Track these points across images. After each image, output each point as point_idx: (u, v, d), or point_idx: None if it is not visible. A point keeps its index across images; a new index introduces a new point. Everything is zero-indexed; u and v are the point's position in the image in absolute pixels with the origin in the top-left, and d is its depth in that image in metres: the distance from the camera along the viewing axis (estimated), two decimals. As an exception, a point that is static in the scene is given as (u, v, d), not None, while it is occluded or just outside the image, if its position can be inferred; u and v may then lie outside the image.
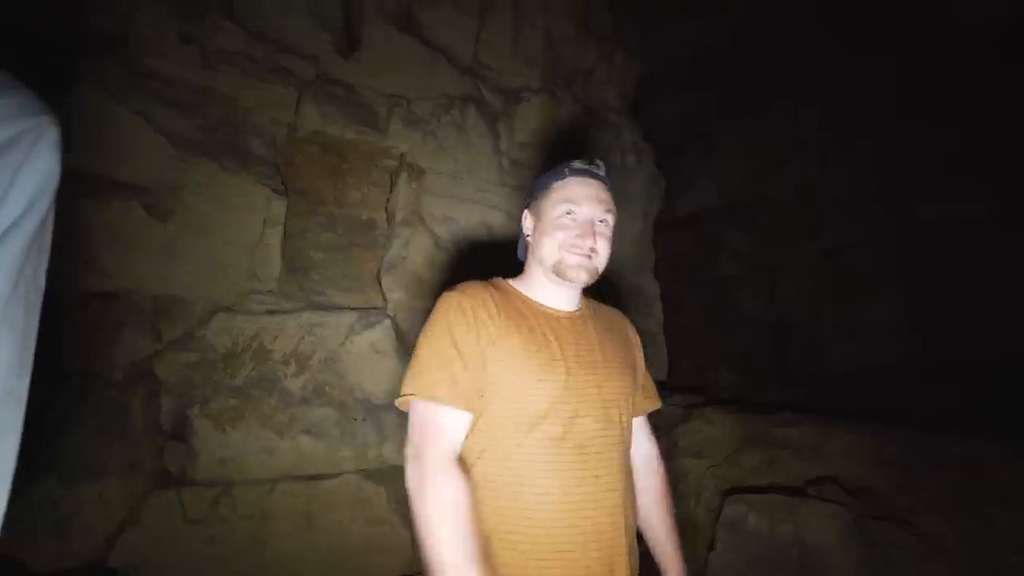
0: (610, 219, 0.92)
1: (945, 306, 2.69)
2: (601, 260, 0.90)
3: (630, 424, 0.89)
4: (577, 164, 0.93)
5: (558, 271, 0.88)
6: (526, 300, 0.91)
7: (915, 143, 2.77)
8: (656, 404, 1.03)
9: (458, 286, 0.89)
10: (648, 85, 2.86)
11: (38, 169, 0.52)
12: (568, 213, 0.89)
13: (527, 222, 0.96)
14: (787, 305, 3.29)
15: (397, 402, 0.83)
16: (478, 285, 0.90)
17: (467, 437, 0.81)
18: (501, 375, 0.81)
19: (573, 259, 0.87)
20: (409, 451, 0.79)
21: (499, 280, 0.95)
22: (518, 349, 0.82)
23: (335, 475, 1.66)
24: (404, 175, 1.92)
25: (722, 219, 3.55)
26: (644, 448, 1.01)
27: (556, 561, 0.75)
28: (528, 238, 0.95)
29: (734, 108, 3.50)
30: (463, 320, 0.82)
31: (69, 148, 1.55)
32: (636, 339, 1.01)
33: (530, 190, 0.99)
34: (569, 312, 0.92)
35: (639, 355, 1.00)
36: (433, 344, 0.82)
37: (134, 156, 1.56)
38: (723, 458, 1.85)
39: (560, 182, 0.92)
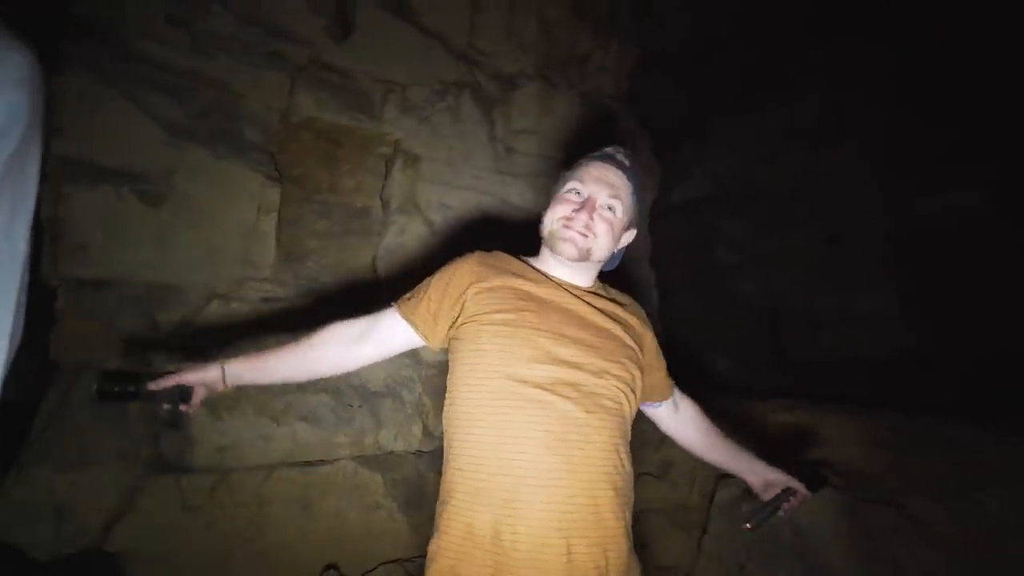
0: (617, 207, 0.91)
1: (939, 295, 2.71)
2: (598, 243, 0.90)
3: (632, 384, 0.89)
4: (603, 150, 0.96)
5: (551, 244, 0.91)
6: (536, 269, 0.95)
7: (910, 132, 2.77)
8: (669, 393, 1.05)
9: (476, 252, 0.96)
10: (644, 72, 2.84)
11: None
12: (573, 190, 0.92)
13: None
14: (783, 293, 3.30)
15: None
16: (494, 252, 0.96)
17: (453, 371, 0.89)
18: (496, 323, 0.85)
19: (565, 232, 0.89)
20: None
21: (514, 254, 0.98)
22: (518, 299, 0.87)
23: (331, 461, 1.66)
24: (399, 162, 1.91)
25: (718, 207, 3.55)
26: (684, 412, 1.08)
27: (542, 488, 0.78)
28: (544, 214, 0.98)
29: (731, 97, 3.49)
30: (468, 275, 0.90)
31: (58, 134, 1.52)
32: (648, 324, 1.02)
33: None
34: (578, 286, 0.94)
35: (649, 344, 1.00)
36: (435, 282, 0.93)
37: (125, 142, 1.54)
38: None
39: (581, 164, 0.95)
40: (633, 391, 0.89)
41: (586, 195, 0.90)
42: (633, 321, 0.96)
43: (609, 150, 0.96)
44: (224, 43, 1.69)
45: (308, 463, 1.64)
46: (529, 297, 0.87)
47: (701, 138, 3.64)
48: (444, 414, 0.89)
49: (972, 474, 1.46)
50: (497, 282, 0.89)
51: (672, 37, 3.30)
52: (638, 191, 0.96)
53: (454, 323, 0.88)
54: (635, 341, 0.93)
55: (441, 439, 1.78)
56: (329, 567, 1.63)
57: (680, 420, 1.08)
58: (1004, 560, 1.29)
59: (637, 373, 0.90)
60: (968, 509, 1.41)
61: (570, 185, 0.92)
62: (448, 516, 0.81)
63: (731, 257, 3.48)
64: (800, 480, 1.03)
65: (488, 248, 0.98)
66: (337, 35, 1.88)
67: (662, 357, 1.03)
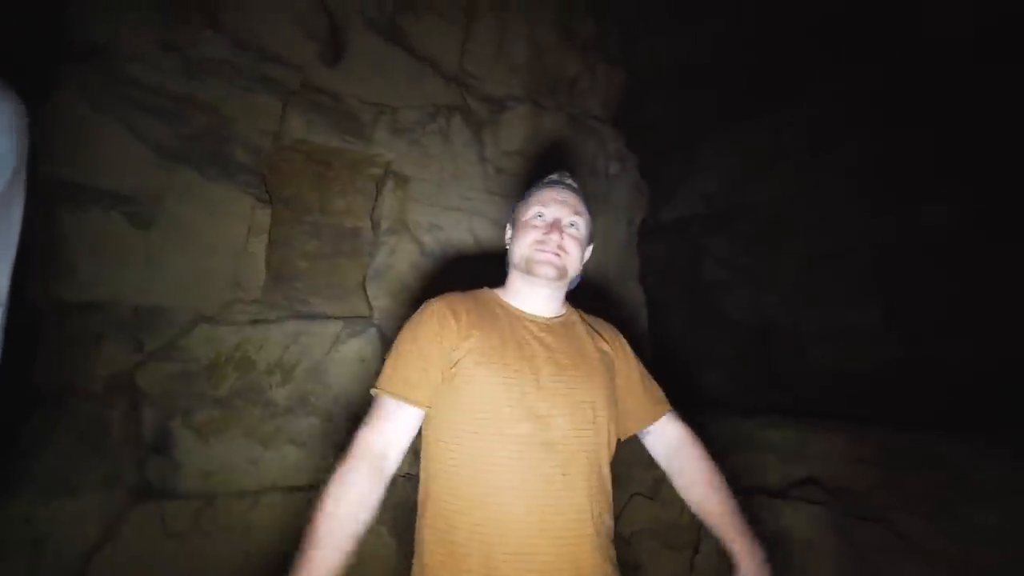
0: (580, 223, 0.96)
1: (923, 311, 2.76)
2: (570, 260, 0.93)
3: (608, 425, 0.89)
4: (549, 177, 1.03)
5: (528, 268, 0.93)
6: (504, 305, 0.95)
7: (894, 151, 2.85)
8: (666, 406, 1.02)
9: (439, 296, 0.94)
10: (632, 94, 2.90)
11: None
12: (538, 215, 0.96)
13: (508, 234, 1.02)
14: (770, 310, 3.35)
15: (373, 391, 0.88)
16: (457, 294, 0.95)
17: (429, 427, 0.87)
18: (472, 372, 0.84)
19: (541, 255, 0.92)
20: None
21: (482, 289, 1.00)
22: (488, 349, 0.85)
23: (321, 485, 1.64)
24: (389, 183, 1.93)
25: (706, 226, 3.61)
26: (671, 437, 1.01)
27: (522, 555, 0.76)
28: (508, 247, 1.00)
29: (717, 118, 3.57)
30: (433, 323, 0.87)
31: (48, 157, 1.52)
32: (624, 348, 1.02)
33: (514, 208, 1.06)
34: (547, 317, 0.95)
35: (629, 363, 1.00)
36: (399, 347, 0.88)
37: (115, 164, 1.54)
38: (708, 461, 1.86)
39: (535, 192, 1.00)
40: (610, 431, 0.90)
41: (551, 217, 0.95)
42: (605, 343, 0.98)
43: (556, 176, 1.03)
44: (216, 67, 1.71)
45: (297, 488, 1.62)
46: (500, 347, 0.86)
47: (688, 158, 3.72)
48: (422, 468, 0.88)
49: (959, 489, 1.48)
50: (470, 331, 0.87)
51: (659, 60, 3.39)
52: (591, 210, 1.02)
53: (444, 378, 0.87)
54: (607, 369, 0.95)
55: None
56: (317, 594, 1.59)
57: (672, 451, 1.00)
58: (992, 575, 1.30)
59: (613, 411, 0.91)
60: (955, 524, 1.43)
61: (533, 211, 0.96)
62: (428, 539, 0.82)
63: (719, 274, 3.53)
64: None
65: (471, 284, 0.99)
66: (329, 59, 1.92)
67: (647, 378, 1.02)
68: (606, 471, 0.88)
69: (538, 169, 2.25)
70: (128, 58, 1.60)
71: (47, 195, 1.49)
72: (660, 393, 1.03)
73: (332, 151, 1.88)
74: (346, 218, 1.90)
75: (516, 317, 0.93)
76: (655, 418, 1.01)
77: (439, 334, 0.86)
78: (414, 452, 1.87)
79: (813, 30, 2.97)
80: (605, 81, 2.63)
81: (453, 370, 0.85)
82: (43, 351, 1.59)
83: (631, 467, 1.95)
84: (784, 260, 3.26)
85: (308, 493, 1.63)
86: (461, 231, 2.01)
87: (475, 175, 2.07)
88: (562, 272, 0.92)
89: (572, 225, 0.95)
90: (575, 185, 1.02)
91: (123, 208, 1.55)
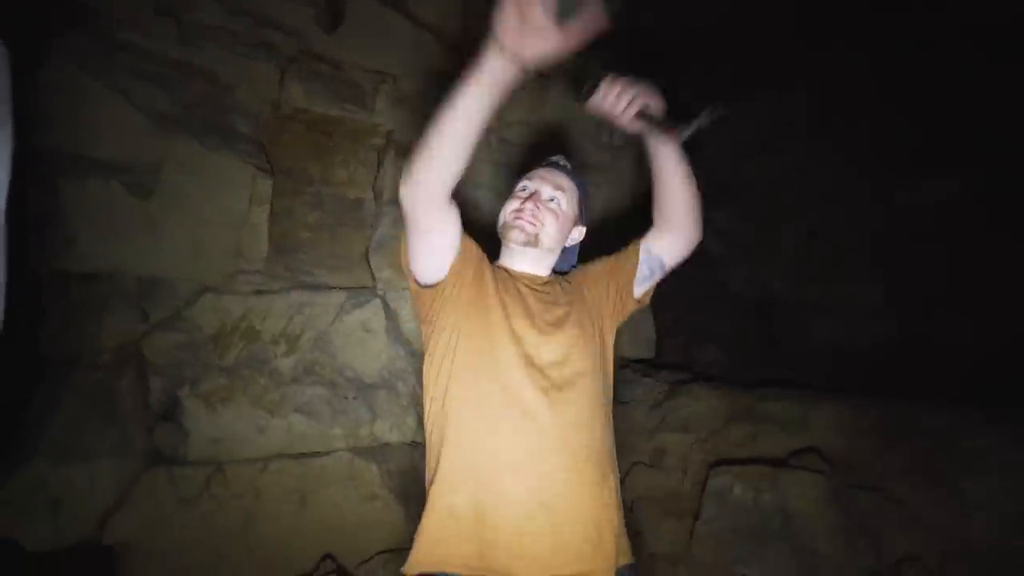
0: (560, 198, 1.02)
1: (923, 288, 2.76)
2: (545, 231, 0.99)
3: (602, 364, 0.96)
4: (547, 159, 1.11)
5: (503, 234, 1.02)
6: (499, 266, 1.04)
7: (896, 125, 2.80)
8: (634, 257, 1.05)
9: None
10: (636, 65, 2.84)
11: None
12: (522, 188, 1.04)
13: None
14: (770, 284, 3.35)
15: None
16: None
17: (428, 380, 0.92)
18: (463, 322, 0.90)
19: (515, 222, 0.98)
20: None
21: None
22: (493, 292, 0.93)
23: (327, 453, 1.67)
24: (392, 153, 1.90)
25: (707, 199, 3.56)
26: (658, 226, 1.05)
27: (528, 467, 0.82)
28: None
29: (720, 90, 3.50)
30: (477, 250, 0.98)
31: (44, 127, 1.50)
32: (598, 271, 1.06)
33: None
34: (535, 276, 1.02)
35: (594, 274, 1.05)
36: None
37: (111, 134, 1.52)
38: (709, 432, 1.89)
39: (531, 170, 1.09)
40: (603, 366, 0.96)
41: (532, 189, 1.02)
42: (586, 281, 1.05)
43: (554, 158, 1.11)
44: (212, 33, 1.66)
45: (304, 455, 1.65)
46: (504, 288, 0.95)
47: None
48: (424, 402, 0.93)
49: (952, 459, 1.50)
50: (483, 276, 0.96)
51: (663, 30, 3.30)
52: (583, 192, 1.07)
53: (453, 289, 0.93)
54: (597, 296, 1.02)
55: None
56: (326, 557, 1.64)
57: (663, 224, 1.03)
58: (981, 541, 1.34)
59: (602, 323, 1.00)
60: (948, 493, 1.46)
61: (520, 184, 1.05)
62: (432, 496, 0.85)
63: (720, 249, 3.52)
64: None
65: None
66: (327, 25, 1.86)
67: (621, 261, 1.05)
68: (607, 406, 0.94)
69: (541, 139, 2.21)
70: (121, 23, 1.55)
71: (45, 165, 1.48)
72: (623, 255, 1.06)
73: (332, 120, 1.85)
74: (348, 189, 1.88)
75: (507, 275, 1.00)
76: (640, 247, 1.04)
77: (474, 258, 0.96)
78: (419, 420, 1.90)
79: (818, 8, 2.88)
80: (610, 48, 2.56)
81: (453, 301, 0.91)
82: (49, 322, 1.60)
83: (632, 436, 1.98)
84: (785, 235, 3.24)
85: (315, 460, 1.66)
86: (464, 201, 1.99)
87: (478, 145, 2.04)
88: (531, 239, 0.98)
89: (552, 199, 1.01)
90: (568, 167, 1.09)
91: (122, 178, 1.53)
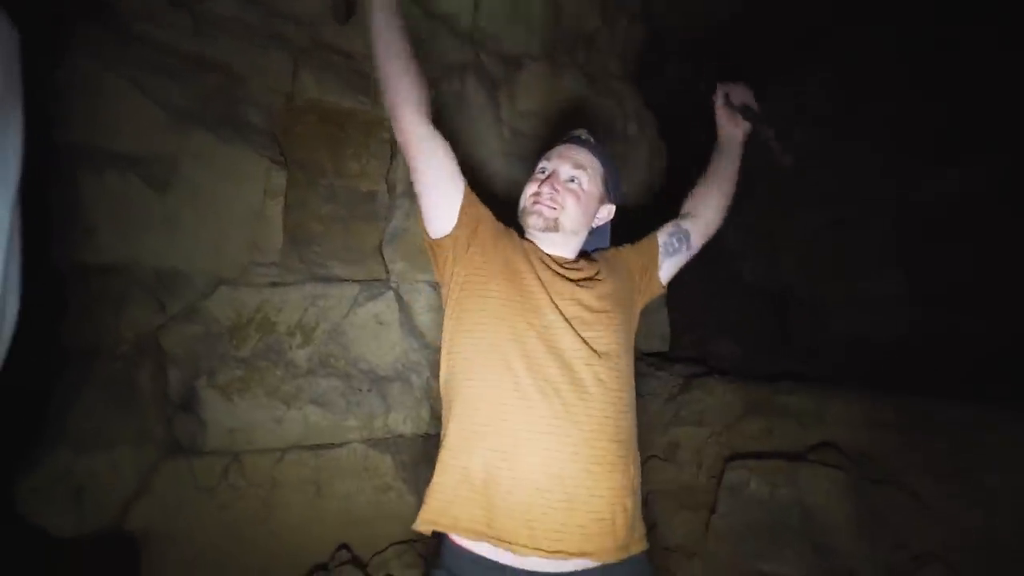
0: (582, 177, 0.96)
1: (946, 280, 2.69)
2: (565, 214, 0.94)
3: (628, 336, 0.94)
4: (569, 134, 1.05)
5: (522, 219, 0.97)
6: (529, 241, 0.99)
7: (919, 115, 2.73)
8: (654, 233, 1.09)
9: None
10: (651, 53, 2.79)
11: None
12: (541, 169, 0.99)
13: None
14: (788, 276, 3.30)
15: None
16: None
17: (451, 319, 0.91)
18: (495, 273, 0.89)
19: (533, 207, 0.94)
20: None
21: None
22: (520, 259, 0.91)
23: (342, 444, 1.68)
24: (404, 145, 1.89)
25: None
26: (691, 216, 1.11)
27: (543, 433, 0.80)
28: None
29: (736, 78, 3.43)
30: (491, 220, 0.98)
31: (62, 119, 1.51)
32: (628, 254, 1.05)
33: None
34: (561, 256, 0.98)
35: (628, 257, 1.04)
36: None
37: (128, 126, 1.53)
38: (724, 426, 1.87)
39: (552, 148, 1.03)
40: (629, 337, 0.94)
41: (550, 170, 0.96)
42: (617, 262, 1.02)
43: (575, 132, 1.04)
44: (226, 25, 1.66)
45: (319, 446, 1.66)
46: (529, 258, 0.92)
47: (707, 120, 3.59)
48: (442, 361, 0.91)
49: (972, 454, 1.47)
50: (505, 242, 0.95)
51: (680, 17, 3.23)
52: (608, 168, 1.01)
53: (472, 233, 0.93)
54: (623, 276, 0.99)
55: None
56: (341, 547, 1.66)
57: (696, 205, 1.12)
58: (1005, 538, 1.31)
59: (633, 301, 0.98)
60: (968, 488, 1.43)
61: (540, 165, 1.00)
62: (444, 458, 0.83)
63: (736, 240, 3.47)
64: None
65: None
66: (340, 16, 1.85)
67: (646, 240, 1.07)
68: (630, 378, 0.91)
69: (555, 130, 2.18)
70: (136, 16, 1.56)
71: (64, 158, 1.49)
72: (651, 244, 1.07)
73: (345, 112, 1.85)
74: (361, 181, 1.88)
75: (535, 253, 0.96)
76: (692, 215, 1.10)
77: (490, 222, 0.96)
78: (436, 417, 1.90)
79: None
80: (625, 38, 2.52)
81: (474, 270, 0.90)
82: (69, 314, 1.62)
83: (647, 430, 1.97)
84: (803, 226, 3.18)
85: (330, 451, 1.67)
86: (477, 193, 1.98)
87: (491, 136, 2.02)
88: (550, 224, 0.93)
89: (572, 180, 0.96)
90: (591, 141, 1.02)
91: (139, 171, 1.54)
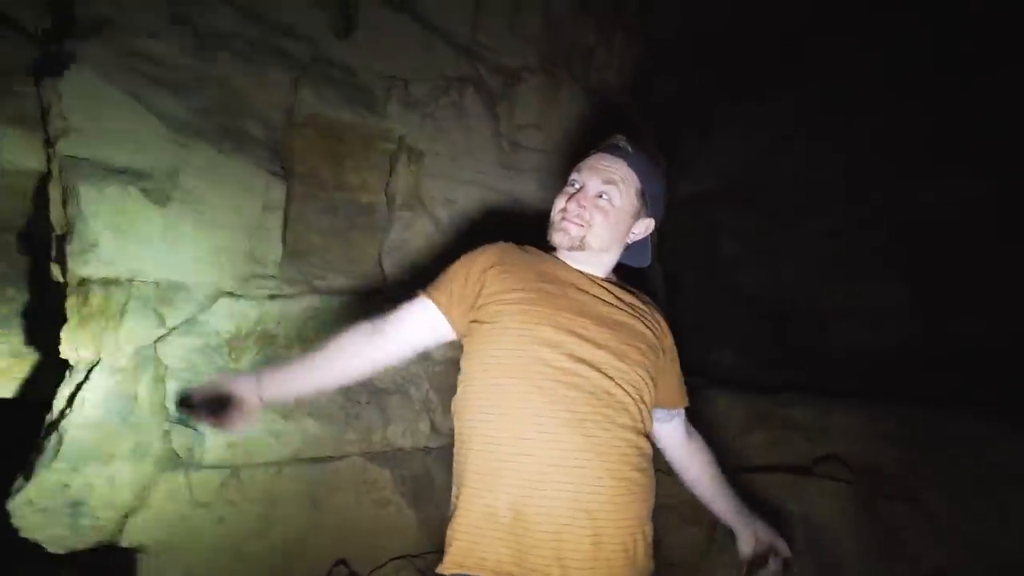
0: (612, 192, 0.91)
1: (947, 288, 2.66)
2: (593, 232, 0.90)
3: (650, 372, 0.89)
4: (603, 143, 0.98)
5: (550, 236, 0.93)
6: (556, 259, 0.95)
7: (917, 123, 2.72)
8: (682, 401, 1.04)
9: (500, 243, 0.98)
10: (648, 65, 2.81)
11: None
12: (572, 183, 0.94)
13: None
14: (788, 286, 3.27)
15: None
16: (513, 244, 0.98)
17: (466, 362, 0.89)
18: (510, 310, 0.85)
19: (560, 224, 0.91)
20: None
21: (543, 247, 1.00)
22: (537, 281, 0.87)
23: (340, 457, 1.67)
24: (403, 158, 1.90)
25: (722, 200, 3.52)
26: (686, 436, 1.06)
27: (568, 468, 0.77)
28: None
29: (734, 88, 3.45)
30: (478, 256, 0.93)
31: (65, 133, 1.52)
32: (667, 330, 1.01)
33: None
34: (594, 275, 0.94)
35: (668, 340, 1.00)
36: (455, 270, 0.94)
37: (130, 140, 1.54)
38: (728, 439, 1.85)
39: (583, 158, 0.97)
40: (652, 378, 0.89)
41: (579, 184, 0.92)
42: (652, 316, 0.97)
43: (612, 139, 0.97)
44: (227, 40, 1.68)
45: (317, 459, 1.65)
46: (548, 279, 0.88)
47: (705, 131, 3.60)
48: (456, 397, 0.88)
49: (987, 470, 1.44)
50: (517, 264, 0.90)
51: (676, 30, 3.26)
52: (647, 178, 0.94)
53: (474, 304, 0.88)
54: (654, 333, 0.94)
55: (449, 435, 1.78)
56: (339, 563, 1.64)
57: (684, 442, 1.07)
58: (1016, 553, 1.28)
59: (655, 360, 0.90)
60: (981, 504, 1.40)
61: (571, 178, 0.95)
62: (465, 497, 0.81)
63: (735, 250, 3.45)
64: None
65: (516, 241, 0.99)
66: (340, 31, 1.88)
67: (678, 369, 1.03)
68: (648, 409, 0.89)
69: (555, 143, 2.20)
70: (138, 31, 1.58)
71: (67, 171, 1.51)
72: (684, 388, 1.05)
73: (345, 125, 1.86)
74: (360, 193, 1.89)
75: (568, 270, 0.92)
76: (675, 404, 1.02)
77: (476, 263, 0.91)
78: (435, 430, 1.88)
79: (831, 3, 2.82)
80: (622, 51, 2.54)
81: (494, 299, 0.86)
82: (69, 327, 1.63)
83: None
84: (803, 236, 3.17)
85: (328, 464, 1.66)
86: (476, 206, 1.99)
87: (490, 149, 2.03)
88: (576, 243, 0.90)
89: (601, 195, 0.90)
90: (629, 150, 0.94)
91: (140, 184, 1.55)
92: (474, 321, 0.88)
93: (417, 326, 0.91)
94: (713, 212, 3.68)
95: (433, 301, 0.90)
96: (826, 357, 2.98)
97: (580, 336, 0.82)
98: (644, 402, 0.87)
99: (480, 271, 0.90)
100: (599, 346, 0.82)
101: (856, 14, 2.81)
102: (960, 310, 2.58)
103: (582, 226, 0.89)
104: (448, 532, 0.82)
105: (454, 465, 0.87)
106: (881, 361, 2.74)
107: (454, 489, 0.85)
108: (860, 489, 1.49)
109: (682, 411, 1.05)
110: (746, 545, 1.03)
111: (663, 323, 1.00)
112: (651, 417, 0.91)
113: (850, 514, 1.46)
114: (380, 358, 0.92)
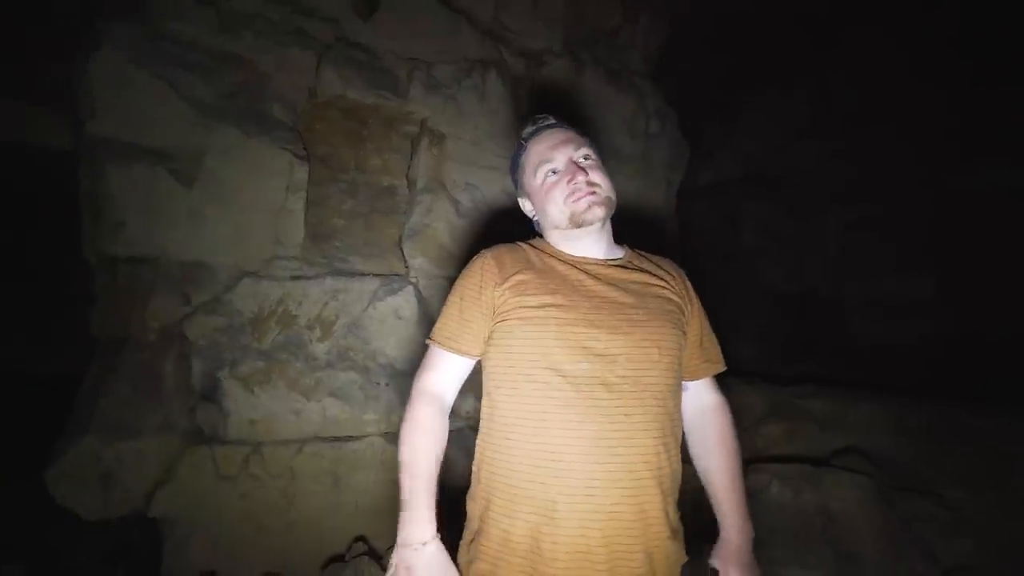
0: (592, 152, 0.91)
1: (976, 282, 2.59)
2: (605, 190, 0.88)
3: (675, 368, 0.85)
4: (527, 130, 0.96)
5: (577, 222, 0.87)
6: (556, 253, 0.91)
7: (945, 110, 2.63)
8: (718, 366, 0.96)
9: (491, 247, 0.92)
10: (672, 50, 2.75)
11: None
12: (551, 172, 0.89)
13: (526, 207, 0.97)
14: (810, 278, 3.22)
15: (427, 341, 0.93)
16: (506, 245, 0.93)
17: (487, 374, 0.88)
18: (522, 316, 0.83)
19: (581, 203, 0.86)
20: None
21: (536, 239, 0.96)
22: (538, 292, 0.84)
23: (360, 437, 1.70)
24: (425, 141, 1.90)
25: (745, 189, 3.46)
26: (704, 401, 0.96)
27: (582, 496, 0.75)
28: (535, 218, 0.96)
29: (758, 74, 3.36)
30: (476, 276, 0.88)
31: (93, 114, 1.54)
32: (691, 293, 0.95)
33: (513, 180, 1.00)
34: (602, 259, 0.91)
35: (693, 305, 0.94)
36: (448, 299, 0.90)
37: (156, 121, 1.56)
38: (745, 429, 1.84)
39: (524, 155, 0.94)
40: (677, 372, 0.86)
41: (563, 163, 0.88)
42: (672, 282, 0.92)
43: (540, 123, 0.95)
44: (251, 21, 1.68)
45: (337, 438, 1.67)
46: (554, 289, 0.84)
47: (729, 118, 3.52)
48: (482, 414, 0.88)
49: (1007, 464, 1.42)
50: (518, 277, 0.85)
51: (700, 11, 3.18)
52: (590, 136, 0.95)
53: (482, 333, 0.87)
54: (677, 303, 0.89)
55: (466, 417, 1.79)
56: (358, 539, 1.67)
57: (699, 414, 0.96)
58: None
59: (678, 354, 0.86)
60: (1004, 498, 1.38)
61: (542, 171, 0.90)
62: (488, 519, 0.81)
63: (758, 241, 3.40)
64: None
65: (508, 241, 0.95)
66: (363, 12, 1.86)
67: (706, 332, 0.96)
68: (675, 413, 0.85)
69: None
70: (164, 13, 1.59)
71: (96, 152, 1.53)
72: (715, 351, 0.96)
73: (367, 108, 1.86)
74: (382, 176, 1.89)
75: (570, 263, 0.89)
76: (696, 376, 0.95)
77: (480, 285, 0.86)
78: (453, 412, 1.89)
79: None
80: (646, 34, 2.48)
81: (502, 316, 0.84)
82: (98, 305, 1.67)
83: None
84: (827, 226, 3.10)
85: (348, 444, 1.68)
86: (496, 190, 1.98)
87: (511, 132, 2.01)
88: (607, 204, 0.87)
89: (586, 157, 0.89)
90: (555, 121, 0.94)
91: (167, 165, 1.57)
92: (490, 340, 0.87)
93: (450, 376, 0.89)
94: (735, 202, 3.61)
95: (445, 348, 0.87)
96: (847, 350, 2.94)
97: (594, 350, 0.79)
98: (667, 404, 0.82)
99: (476, 293, 0.86)
100: (615, 359, 0.79)
101: (888, 3, 2.70)
102: (988, 306, 2.51)
103: (597, 192, 0.86)
104: (469, 546, 0.83)
105: (476, 481, 0.87)
106: (903, 355, 2.69)
107: (472, 502, 0.86)
108: (879, 481, 1.48)
109: (706, 380, 0.95)
110: (722, 560, 0.92)
111: (683, 288, 0.94)
112: (678, 413, 0.86)
113: (869, 506, 1.45)
114: (445, 420, 0.89)
